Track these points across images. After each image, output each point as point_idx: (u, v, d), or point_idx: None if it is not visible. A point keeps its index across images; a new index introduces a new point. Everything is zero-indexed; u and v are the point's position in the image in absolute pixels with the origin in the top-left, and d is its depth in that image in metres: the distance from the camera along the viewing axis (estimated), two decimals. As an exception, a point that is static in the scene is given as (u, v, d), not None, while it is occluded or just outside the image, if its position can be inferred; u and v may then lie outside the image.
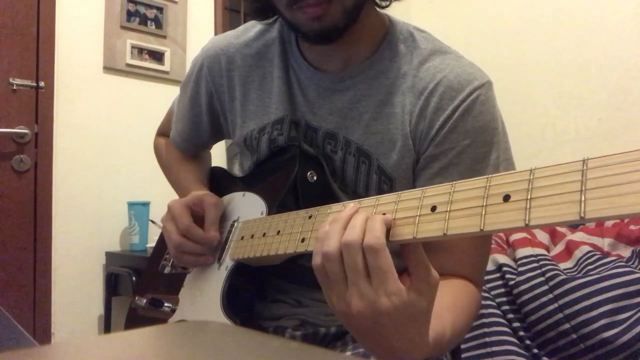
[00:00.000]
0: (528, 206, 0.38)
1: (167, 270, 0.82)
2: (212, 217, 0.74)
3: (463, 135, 0.67)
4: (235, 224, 0.75)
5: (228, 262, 0.71)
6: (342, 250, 0.45)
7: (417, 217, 0.45)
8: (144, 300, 0.80)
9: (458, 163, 0.68)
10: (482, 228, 0.40)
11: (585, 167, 0.36)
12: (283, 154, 0.77)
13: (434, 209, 0.44)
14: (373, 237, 0.44)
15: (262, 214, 0.71)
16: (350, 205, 0.51)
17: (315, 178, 0.73)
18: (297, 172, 0.72)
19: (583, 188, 0.35)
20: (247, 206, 0.75)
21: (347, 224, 0.47)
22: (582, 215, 0.34)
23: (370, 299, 0.44)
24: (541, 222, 0.37)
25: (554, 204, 0.36)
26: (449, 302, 0.59)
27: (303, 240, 0.57)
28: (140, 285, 0.92)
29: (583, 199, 0.35)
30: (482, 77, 0.70)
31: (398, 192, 0.49)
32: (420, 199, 0.46)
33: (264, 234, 0.65)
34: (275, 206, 0.71)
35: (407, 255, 0.46)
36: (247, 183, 0.82)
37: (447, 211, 0.43)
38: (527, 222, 0.37)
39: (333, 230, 0.47)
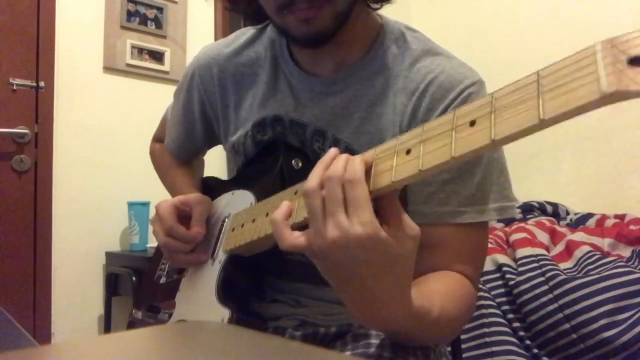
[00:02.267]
0: (492, 124, 0.39)
1: (162, 280, 0.83)
2: (198, 214, 0.75)
3: None
4: (226, 219, 0.76)
5: (221, 256, 0.72)
6: (323, 183, 0.48)
7: (394, 161, 0.47)
8: (140, 313, 0.80)
9: None
10: (452, 155, 0.41)
11: (539, 77, 0.38)
12: (269, 152, 0.77)
13: (408, 152, 0.46)
14: (352, 170, 0.47)
15: (251, 205, 0.72)
16: (332, 149, 0.52)
17: (300, 164, 0.73)
18: (282, 161, 0.73)
19: (539, 93, 0.37)
20: (237, 202, 0.76)
21: (330, 164, 0.49)
22: (542, 117, 0.36)
23: (344, 227, 0.46)
24: (506, 135, 0.38)
25: (515, 114, 0.38)
26: (439, 288, 0.61)
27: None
28: (138, 298, 0.92)
29: (541, 102, 0.36)
30: (473, 76, 0.70)
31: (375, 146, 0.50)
32: (395, 146, 0.48)
33: (254, 220, 0.66)
34: (263, 196, 0.71)
35: (383, 208, 0.48)
36: (236, 183, 0.83)
37: (420, 150, 0.45)
38: (493, 138, 0.39)
39: (316, 169, 0.49)
